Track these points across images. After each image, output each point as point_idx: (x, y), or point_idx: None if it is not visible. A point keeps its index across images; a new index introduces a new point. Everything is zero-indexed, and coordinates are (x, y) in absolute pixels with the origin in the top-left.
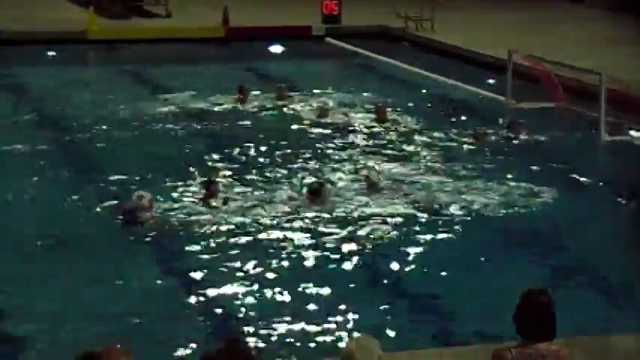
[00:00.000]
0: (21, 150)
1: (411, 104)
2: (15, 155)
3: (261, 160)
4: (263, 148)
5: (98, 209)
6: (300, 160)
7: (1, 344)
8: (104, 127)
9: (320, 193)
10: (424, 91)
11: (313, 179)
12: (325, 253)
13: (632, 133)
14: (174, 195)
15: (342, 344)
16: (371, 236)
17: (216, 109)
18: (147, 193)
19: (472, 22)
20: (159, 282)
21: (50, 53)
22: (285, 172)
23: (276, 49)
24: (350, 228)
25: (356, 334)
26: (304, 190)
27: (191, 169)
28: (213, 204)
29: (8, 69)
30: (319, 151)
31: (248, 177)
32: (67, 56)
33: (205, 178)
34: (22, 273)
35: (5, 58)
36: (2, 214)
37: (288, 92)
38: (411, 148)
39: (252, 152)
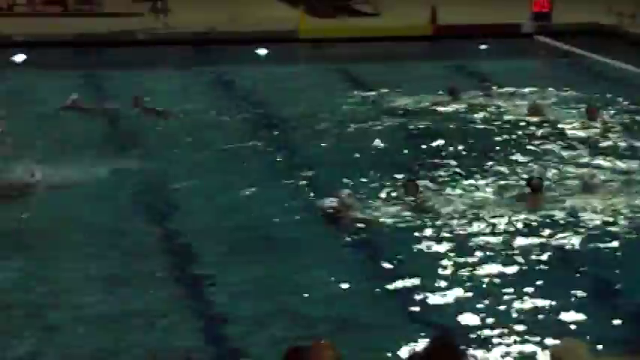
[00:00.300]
0: (230, 147)
1: (625, 103)
2: (224, 152)
3: (468, 158)
4: (470, 147)
5: (300, 206)
6: (510, 159)
7: (210, 345)
8: (312, 125)
9: (540, 189)
10: (638, 89)
11: (532, 175)
12: (540, 256)
13: None
14: (376, 194)
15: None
16: (589, 241)
17: (423, 107)
18: (349, 191)
19: None
20: (362, 283)
21: (261, 52)
22: (493, 171)
23: (484, 47)
24: (567, 231)
25: (564, 338)
26: (518, 188)
27: (395, 167)
28: (412, 203)
29: (219, 68)
30: (530, 149)
31: (453, 176)
32: (277, 55)
33: (405, 177)
34: (225, 272)
35: (216, 57)
36: (206, 210)
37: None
38: (625, 149)
39: (459, 150)
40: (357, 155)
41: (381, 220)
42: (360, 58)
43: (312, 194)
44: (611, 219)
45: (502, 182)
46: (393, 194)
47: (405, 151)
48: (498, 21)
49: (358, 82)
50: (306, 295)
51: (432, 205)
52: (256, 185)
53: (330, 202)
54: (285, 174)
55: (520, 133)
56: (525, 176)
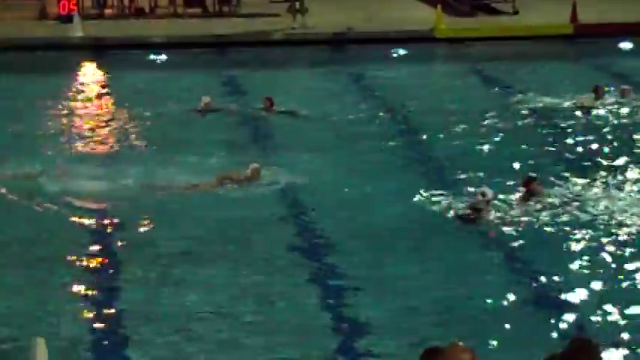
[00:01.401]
0: (369, 146)
1: None
2: (363, 151)
3: (609, 159)
4: (612, 147)
5: (435, 204)
6: None
7: (347, 347)
8: (449, 125)
9: None
10: None
11: None
12: None
13: None
14: (512, 193)
15: None
16: None
17: (563, 107)
18: (489, 190)
19: None
20: (500, 283)
21: (399, 52)
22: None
23: (627, 45)
24: None
25: None
26: None
27: (532, 167)
28: (533, 202)
29: (356, 68)
30: None
31: (595, 176)
32: (414, 55)
33: (531, 176)
34: (365, 272)
35: (353, 57)
36: (344, 209)
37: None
38: None
39: (600, 150)
40: (494, 155)
41: (517, 219)
42: (498, 57)
43: (448, 193)
44: None
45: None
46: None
47: (543, 151)
48: None
49: (496, 81)
50: (443, 295)
51: (565, 205)
52: (390, 184)
53: (469, 201)
54: (420, 173)
55: None
56: None
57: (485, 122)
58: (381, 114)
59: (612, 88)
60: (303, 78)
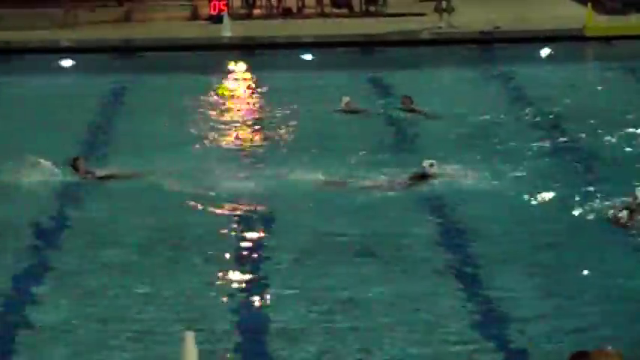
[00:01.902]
0: (516, 147)
1: None
2: (512, 153)
3: None
4: None
5: (587, 208)
6: None
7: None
8: (599, 125)
9: None
10: None
11: None
12: None
13: None
14: None
15: None
16: None
17: None
18: None
19: None
20: None
21: (546, 51)
22: None
23: None
24: None
25: None
26: None
27: None
28: None
29: (505, 67)
30: None
31: None
32: (564, 54)
33: None
34: (504, 274)
35: (502, 56)
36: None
37: None
38: None
39: None
40: None
41: None
42: None
43: (598, 195)
44: None
45: None
46: None
47: None
48: None
49: None
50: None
51: None
52: (538, 185)
53: (622, 204)
54: (567, 174)
55: None
56: None
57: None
58: (530, 114)
59: None
60: (450, 78)
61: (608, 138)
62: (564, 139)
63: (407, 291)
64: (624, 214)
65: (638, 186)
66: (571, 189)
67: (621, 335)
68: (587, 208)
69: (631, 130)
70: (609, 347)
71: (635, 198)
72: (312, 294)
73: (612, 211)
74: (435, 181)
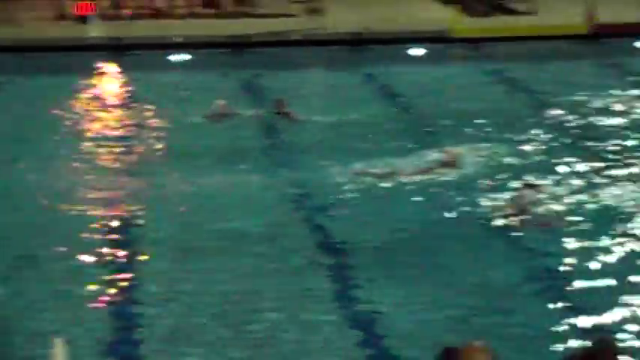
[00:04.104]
0: (388, 148)
1: None
2: (378, 152)
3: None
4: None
5: (468, 206)
6: None
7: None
8: (468, 126)
9: None
10: None
11: None
12: None
13: None
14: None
15: None
16: None
17: (585, 107)
18: (526, 191)
19: None
20: (530, 283)
21: (414, 52)
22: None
23: None
24: None
25: None
26: None
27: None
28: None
29: (372, 69)
30: None
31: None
32: (431, 55)
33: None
34: (388, 276)
35: (372, 57)
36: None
37: None
38: None
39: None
40: (521, 156)
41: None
42: (515, 57)
43: (482, 195)
44: None
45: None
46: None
47: (570, 151)
48: None
49: (513, 82)
50: (472, 295)
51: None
52: (409, 184)
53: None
54: (437, 174)
55: None
56: None
57: (503, 123)
58: (398, 114)
59: None
60: (320, 79)
61: (476, 136)
62: (433, 138)
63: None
64: (511, 212)
65: (519, 188)
66: (443, 189)
67: (489, 331)
68: (463, 208)
69: (497, 129)
70: (478, 342)
71: (522, 198)
72: None
73: (496, 212)
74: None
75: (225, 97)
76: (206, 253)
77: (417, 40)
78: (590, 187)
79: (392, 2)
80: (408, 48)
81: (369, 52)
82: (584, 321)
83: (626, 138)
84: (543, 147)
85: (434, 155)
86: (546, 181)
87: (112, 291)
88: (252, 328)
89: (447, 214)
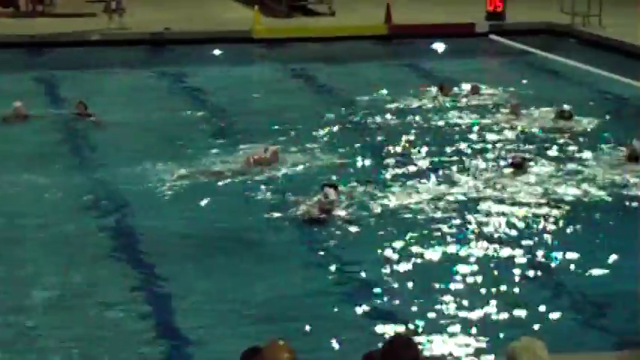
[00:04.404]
0: (189, 147)
1: (580, 102)
2: (181, 152)
3: (431, 156)
4: (430, 144)
5: (276, 207)
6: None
7: (172, 341)
8: (268, 126)
9: (522, 167)
10: (592, 88)
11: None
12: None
13: None
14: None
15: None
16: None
17: (381, 106)
18: (331, 190)
19: None
20: (330, 283)
21: (216, 52)
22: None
23: (439, 46)
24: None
25: (522, 336)
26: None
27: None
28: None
29: (173, 69)
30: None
31: (421, 172)
32: (232, 55)
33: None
34: (192, 276)
35: (173, 58)
36: (173, 215)
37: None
38: (584, 148)
39: (424, 148)
40: (322, 155)
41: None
42: (315, 58)
43: (285, 194)
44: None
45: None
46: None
47: (369, 149)
48: (453, 20)
49: (315, 82)
50: (271, 296)
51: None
52: (211, 184)
53: (315, 201)
54: (246, 173)
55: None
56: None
57: (305, 122)
58: (201, 114)
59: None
60: (121, 79)
61: (279, 136)
62: (235, 138)
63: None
64: (314, 212)
65: (327, 185)
66: (248, 188)
67: (292, 329)
68: (275, 208)
69: (299, 129)
70: (280, 341)
71: (326, 196)
72: None
73: (305, 208)
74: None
75: (23, 98)
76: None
77: (218, 40)
78: (387, 185)
79: (194, 3)
80: (210, 48)
81: (170, 52)
82: (387, 320)
83: (420, 136)
84: (344, 146)
85: (245, 153)
86: (347, 180)
87: None
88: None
89: (251, 215)
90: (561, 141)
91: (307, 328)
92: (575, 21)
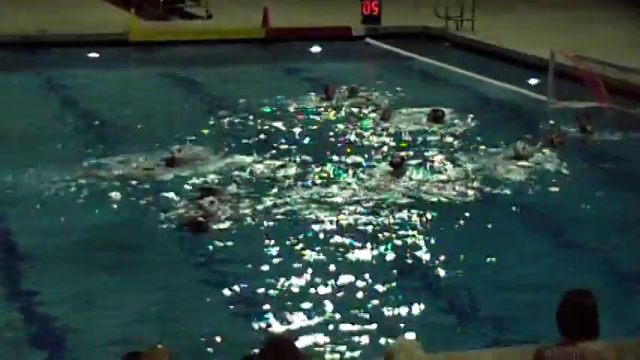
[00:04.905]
0: (65, 152)
1: (453, 104)
2: (57, 157)
3: (309, 156)
4: (313, 146)
5: (149, 217)
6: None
7: (45, 346)
8: (145, 130)
9: (401, 166)
10: (465, 90)
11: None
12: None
13: None
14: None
15: (384, 345)
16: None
17: (261, 110)
18: (208, 199)
19: (513, 21)
20: (202, 284)
21: (92, 55)
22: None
23: (316, 49)
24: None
25: (399, 336)
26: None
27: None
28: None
29: (51, 72)
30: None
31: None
32: (109, 58)
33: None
34: (78, 280)
35: (48, 61)
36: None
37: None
38: (457, 148)
39: (303, 149)
40: (201, 158)
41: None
42: (193, 60)
43: (159, 203)
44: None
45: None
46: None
47: (248, 152)
48: (330, 24)
49: (192, 84)
50: (150, 300)
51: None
52: (96, 193)
53: (193, 211)
54: (115, 180)
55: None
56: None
57: (183, 126)
58: (73, 119)
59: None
60: None
61: (149, 141)
62: (115, 141)
63: None
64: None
65: (204, 190)
66: (127, 194)
67: (170, 334)
68: (154, 213)
69: (171, 135)
70: (159, 345)
71: (201, 205)
72: None
73: (184, 213)
74: None
75: None
76: None
77: (94, 43)
78: (267, 187)
79: (69, 5)
80: (86, 51)
81: (45, 55)
82: (266, 322)
83: (299, 138)
84: (223, 148)
85: (123, 157)
86: (226, 184)
87: None
88: None
89: (130, 220)
90: (436, 141)
91: (185, 331)
92: (449, 25)
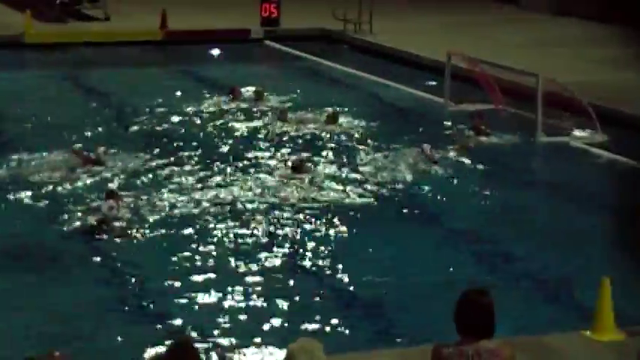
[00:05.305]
0: None
1: (352, 106)
2: None
3: (199, 159)
4: (203, 148)
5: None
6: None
7: None
8: (42, 134)
9: (301, 168)
10: (363, 92)
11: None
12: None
13: (570, 134)
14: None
15: (283, 346)
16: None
17: (159, 111)
18: (106, 203)
19: (410, 25)
20: (105, 289)
21: None
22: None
23: (215, 52)
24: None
25: (300, 337)
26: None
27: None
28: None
29: None
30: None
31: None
32: (2, 60)
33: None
34: None
35: None
36: None
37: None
38: (356, 150)
39: (195, 151)
40: (110, 161)
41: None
42: (90, 63)
43: (60, 207)
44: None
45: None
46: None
47: (148, 155)
48: (229, 26)
49: (88, 87)
50: (53, 304)
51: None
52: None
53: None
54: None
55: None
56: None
57: (79, 128)
58: None
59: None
60: None
61: (45, 145)
62: (9, 144)
63: None
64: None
65: (107, 193)
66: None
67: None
68: (58, 217)
69: (68, 137)
70: (56, 352)
71: (102, 207)
72: None
73: (87, 217)
74: None
75: None
76: None
77: None
78: (170, 191)
79: None
80: None
81: None
82: (169, 324)
83: (200, 141)
84: (121, 152)
85: (17, 161)
86: (126, 187)
87: None
88: None
89: (33, 224)
90: (333, 143)
91: (92, 336)
92: (348, 28)
